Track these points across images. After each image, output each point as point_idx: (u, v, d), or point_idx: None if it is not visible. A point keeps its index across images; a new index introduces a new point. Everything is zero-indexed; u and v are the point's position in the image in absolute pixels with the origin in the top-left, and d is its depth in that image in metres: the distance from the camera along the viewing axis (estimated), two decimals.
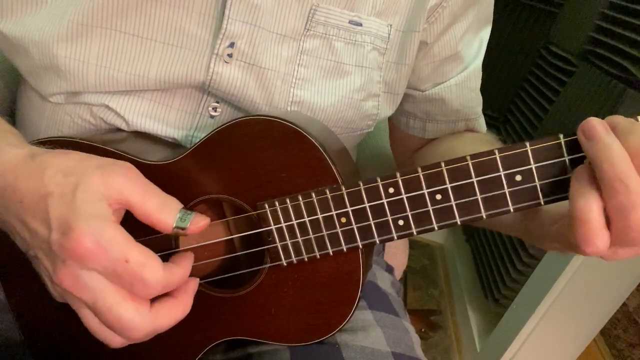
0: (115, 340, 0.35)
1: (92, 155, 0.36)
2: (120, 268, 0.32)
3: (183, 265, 0.36)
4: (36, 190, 0.33)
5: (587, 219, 0.30)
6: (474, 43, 0.58)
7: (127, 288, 0.32)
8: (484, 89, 0.60)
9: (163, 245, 0.41)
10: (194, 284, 0.38)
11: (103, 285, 0.32)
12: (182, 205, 0.36)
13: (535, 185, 0.33)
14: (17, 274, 0.46)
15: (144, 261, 0.32)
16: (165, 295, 0.35)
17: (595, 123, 0.31)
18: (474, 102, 0.60)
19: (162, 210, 0.34)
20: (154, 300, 0.34)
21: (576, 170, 0.32)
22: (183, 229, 0.35)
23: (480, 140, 0.59)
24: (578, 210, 0.30)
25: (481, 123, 0.63)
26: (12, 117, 0.55)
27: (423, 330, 1.52)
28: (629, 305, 1.04)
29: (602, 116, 0.32)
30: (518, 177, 0.33)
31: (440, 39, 0.53)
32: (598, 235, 0.30)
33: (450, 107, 0.58)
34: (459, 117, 0.60)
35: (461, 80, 0.57)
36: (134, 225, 0.35)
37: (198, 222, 0.36)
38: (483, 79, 0.60)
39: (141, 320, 0.33)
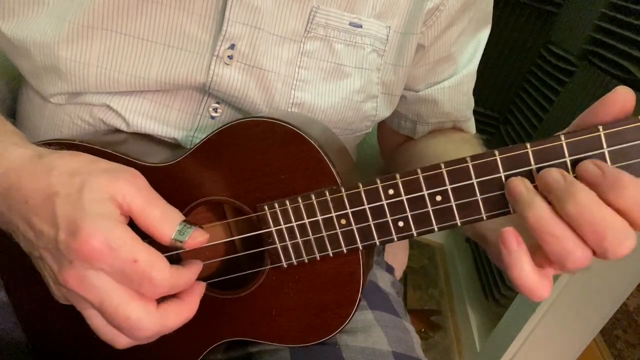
0: (121, 341, 0.34)
1: (100, 158, 0.36)
2: (129, 268, 0.31)
3: (190, 269, 0.36)
4: (42, 190, 0.33)
5: (524, 284, 0.31)
6: (469, 45, 0.58)
7: (134, 288, 0.32)
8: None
9: (167, 247, 0.41)
10: (201, 286, 0.38)
11: (110, 285, 0.32)
12: (183, 218, 0.35)
13: (536, 186, 0.33)
14: (20, 273, 0.46)
15: (152, 261, 0.32)
16: (173, 296, 0.35)
17: (515, 185, 0.32)
18: (465, 105, 0.60)
19: (163, 221, 0.34)
20: (161, 301, 0.34)
21: (503, 234, 0.32)
22: (181, 242, 0.34)
23: (462, 140, 0.60)
24: (514, 278, 0.32)
25: (470, 125, 0.63)
26: (13, 117, 0.55)
27: (423, 330, 1.52)
28: (629, 305, 1.04)
29: None
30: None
31: (436, 42, 0.53)
32: (539, 289, 0.31)
33: (441, 109, 0.58)
34: (449, 119, 0.60)
35: (454, 84, 0.57)
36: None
37: (196, 237, 0.35)
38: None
39: (149, 320, 0.33)
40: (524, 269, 0.31)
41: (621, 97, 0.30)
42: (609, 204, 0.29)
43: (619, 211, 0.28)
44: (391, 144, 0.68)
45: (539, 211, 0.30)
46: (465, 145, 0.58)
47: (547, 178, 0.31)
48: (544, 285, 0.31)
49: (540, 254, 0.31)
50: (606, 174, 0.29)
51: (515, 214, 0.33)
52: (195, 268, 0.37)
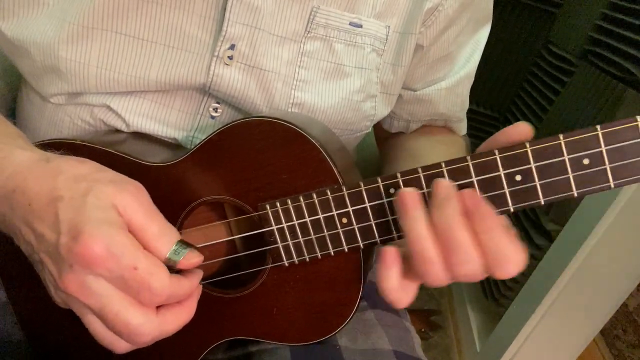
0: (120, 346, 0.34)
1: (107, 168, 0.36)
2: (128, 275, 0.31)
3: (190, 278, 0.36)
4: (46, 193, 0.33)
5: (386, 289, 0.35)
6: (468, 45, 0.58)
7: (133, 295, 0.32)
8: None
9: None
10: (199, 289, 0.38)
11: (110, 291, 0.32)
12: (180, 238, 0.35)
13: (535, 185, 0.33)
14: (20, 272, 0.46)
15: (152, 269, 0.32)
16: None
17: (406, 196, 0.34)
18: (459, 107, 0.61)
19: (160, 238, 0.34)
20: (159, 305, 0.34)
21: (384, 251, 0.35)
22: (175, 261, 0.34)
23: (445, 141, 0.62)
24: (383, 289, 0.35)
25: (461, 126, 0.64)
26: (13, 117, 0.55)
27: (423, 330, 1.52)
28: (629, 305, 1.04)
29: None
30: (518, 177, 0.34)
31: (435, 43, 0.54)
32: (401, 299, 0.35)
33: (435, 109, 0.59)
34: (441, 118, 0.61)
35: (451, 85, 0.58)
36: None
37: (191, 258, 0.35)
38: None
39: (149, 326, 0.33)
40: (392, 284, 0.35)
41: (521, 131, 0.33)
42: (474, 229, 0.32)
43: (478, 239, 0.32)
44: (383, 135, 0.69)
45: (420, 232, 0.33)
46: (441, 145, 0.60)
47: (435, 187, 0.34)
48: (405, 297, 0.35)
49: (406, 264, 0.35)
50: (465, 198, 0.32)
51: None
52: (195, 278, 0.36)
